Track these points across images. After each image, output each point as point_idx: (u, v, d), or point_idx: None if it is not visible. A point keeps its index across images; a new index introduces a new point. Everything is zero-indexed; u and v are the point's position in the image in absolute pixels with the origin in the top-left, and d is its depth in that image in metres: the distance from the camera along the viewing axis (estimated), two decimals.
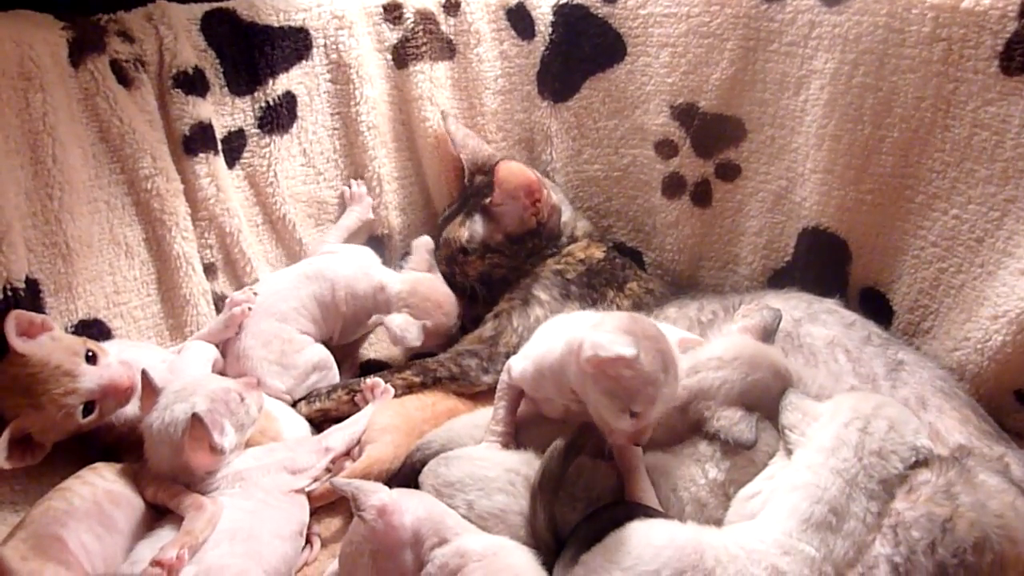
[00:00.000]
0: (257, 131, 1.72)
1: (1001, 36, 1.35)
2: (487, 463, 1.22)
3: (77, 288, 1.47)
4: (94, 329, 1.49)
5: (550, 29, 1.84)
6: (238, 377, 1.41)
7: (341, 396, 1.55)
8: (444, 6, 1.86)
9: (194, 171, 1.63)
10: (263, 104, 1.72)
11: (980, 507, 1.04)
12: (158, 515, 1.25)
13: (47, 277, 1.43)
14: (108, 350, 1.36)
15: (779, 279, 1.69)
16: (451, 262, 1.76)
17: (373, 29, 1.82)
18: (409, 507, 1.10)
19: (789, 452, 1.17)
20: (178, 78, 1.61)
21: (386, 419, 1.44)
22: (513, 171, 1.68)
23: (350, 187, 1.83)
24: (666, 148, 1.79)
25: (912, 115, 1.47)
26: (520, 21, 1.88)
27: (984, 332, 1.40)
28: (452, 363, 1.56)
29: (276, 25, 1.71)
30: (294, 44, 1.73)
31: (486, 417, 1.32)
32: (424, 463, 1.28)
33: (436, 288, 1.70)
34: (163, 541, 1.16)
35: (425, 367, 1.56)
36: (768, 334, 1.33)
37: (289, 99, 1.74)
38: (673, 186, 1.80)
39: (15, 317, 1.28)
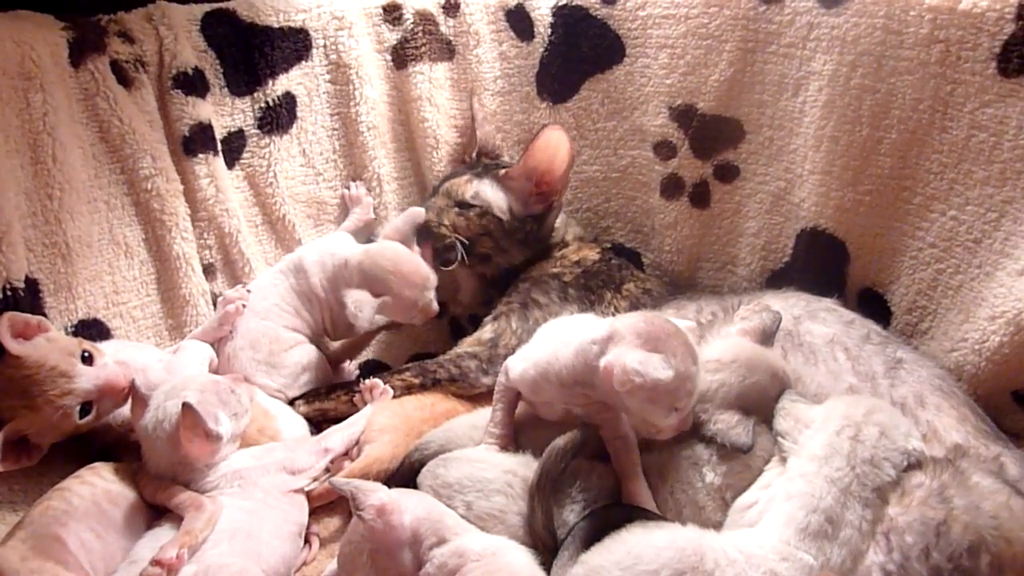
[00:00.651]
0: (257, 132, 1.72)
1: (999, 38, 1.35)
2: (485, 465, 1.22)
3: (76, 288, 1.47)
4: (93, 329, 1.49)
5: (549, 30, 1.84)
6: None
7: (340, 396, 1.55)
8: (443, 7, 1.86)
9: (194, 171, 1.63)
10: (263, 105, 1.72)
11: (974, 509, 1.04)
12: (157, 515, 1.26)
13: (47, 277, 1.43)
14: (104, 350, 1.35)
15: (777, 280, 1.69)
16: (441, 212, 1.71)
17: (373, 30, 1.82)
18: (408, 507, 1.11)
19: (783, 459, 1.17)
20: (178, 78, 1.61)
21: (385, 419, 1.44)
22: (552, 143, 1.65)
23: (349, 189, 1.83)
24: (665, 149, 1.79)
25: (910, 116, 1.47)
26: (519, 22, 1.87)
27: (982, 333, 1.40)
28: (451, 364, 1.56)
29: (276, 26, 1.71)
30: (294, 45, 1.73)
31: (485, 418, 1.32)
32: (422, 463, 1.28)
33: (401, 258, 1.59)
34: (162, 540, 1.16)
35: (424, 368, 1.56)
36: (767, 336, 1.33)
37: (289, 100, 1.74)
38: (672, 187, 1.80)
39: (9, 319, 1.27)
